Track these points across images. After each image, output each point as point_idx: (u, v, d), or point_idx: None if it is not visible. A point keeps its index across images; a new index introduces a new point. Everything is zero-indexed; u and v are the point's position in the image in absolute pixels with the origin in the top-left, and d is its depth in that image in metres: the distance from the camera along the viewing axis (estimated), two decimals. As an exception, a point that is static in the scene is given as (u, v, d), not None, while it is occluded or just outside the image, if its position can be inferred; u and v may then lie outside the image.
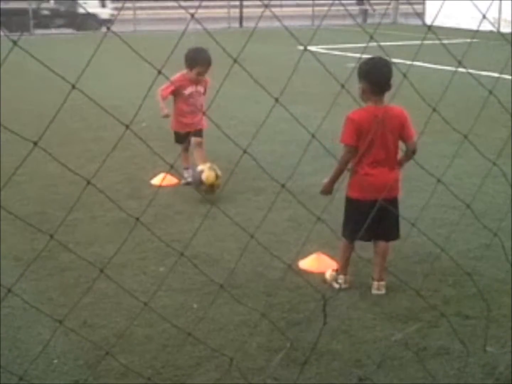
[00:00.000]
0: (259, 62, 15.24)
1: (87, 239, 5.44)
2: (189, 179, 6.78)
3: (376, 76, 4.26)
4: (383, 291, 4.45)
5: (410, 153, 4.36)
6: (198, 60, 6.70)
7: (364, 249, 4.60)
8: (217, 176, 6.34)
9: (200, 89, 6.87)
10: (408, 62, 14.66)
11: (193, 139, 6.85)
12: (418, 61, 15.31)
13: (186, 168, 7.05)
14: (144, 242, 5.27)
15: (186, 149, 7.04)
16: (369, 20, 31.82)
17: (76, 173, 2.48)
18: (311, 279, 4.54)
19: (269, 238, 5.35)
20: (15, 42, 1.83)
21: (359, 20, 31.36)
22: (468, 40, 19.02)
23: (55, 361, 3.66)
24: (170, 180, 6.92)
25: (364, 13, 32.41)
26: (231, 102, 11.25)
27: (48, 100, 10.75)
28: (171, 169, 2.49)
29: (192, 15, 2.11)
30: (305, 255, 4.91)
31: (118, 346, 3.78)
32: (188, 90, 6.83)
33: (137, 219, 2.34)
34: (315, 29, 26.69)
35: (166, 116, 6.81)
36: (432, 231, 5.39)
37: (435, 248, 4.73)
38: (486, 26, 20.72)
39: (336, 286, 4.49)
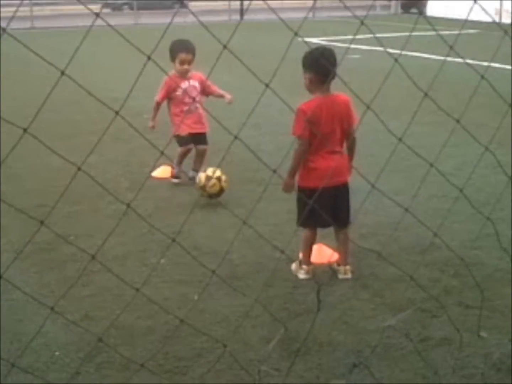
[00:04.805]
0: (260, 55, 15.21)
1: (89, 231, 5.43)
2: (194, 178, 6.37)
3: (322, 66, 4.23)
4: (349, 276, 4.54)
5: (351, 140, 4.45)
6: (178, 48, 6.51)
7: (327, 238, 4.70)
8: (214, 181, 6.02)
9: (194, 83, 6.60)
10: (414, 54, 14.64)
11: (197, 149, 6.73)
12: (418, 52, 15.27)
13: (195, 170, 6.68)
14: (145, 234, 5.27)
15: (185, 155, 6.75)
16: None
17: (66, 159, 2.46)
18: (312, 269, 4.55)
19: (270, 230, 5.35)
20: (4, 30, 1.83)
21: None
22: (471, 31, 18.97)
23: (57, 353, 3.67)
24: (170, 172, 6.90)
25: None
26: (233, 94, 11.21)
27: (51, 93, 10.73)
28: (162, 155, 2.46)
29: (181, 1, 2.11)
30: (306, 246, 4.90)
31: (119, 338, 3.79)
32: (180, 89, 6.55)
33: (128, 205, 2.33)
34: (316, 21, 26.65)
35: (151, 128, 6.54)
36: (434, 222, 5.38)
37: (436, 238, 4.72)
38: (488, 17, 20.67)
39: (301, 276, 4.55)
